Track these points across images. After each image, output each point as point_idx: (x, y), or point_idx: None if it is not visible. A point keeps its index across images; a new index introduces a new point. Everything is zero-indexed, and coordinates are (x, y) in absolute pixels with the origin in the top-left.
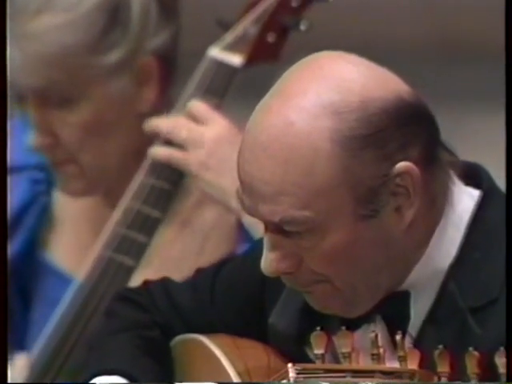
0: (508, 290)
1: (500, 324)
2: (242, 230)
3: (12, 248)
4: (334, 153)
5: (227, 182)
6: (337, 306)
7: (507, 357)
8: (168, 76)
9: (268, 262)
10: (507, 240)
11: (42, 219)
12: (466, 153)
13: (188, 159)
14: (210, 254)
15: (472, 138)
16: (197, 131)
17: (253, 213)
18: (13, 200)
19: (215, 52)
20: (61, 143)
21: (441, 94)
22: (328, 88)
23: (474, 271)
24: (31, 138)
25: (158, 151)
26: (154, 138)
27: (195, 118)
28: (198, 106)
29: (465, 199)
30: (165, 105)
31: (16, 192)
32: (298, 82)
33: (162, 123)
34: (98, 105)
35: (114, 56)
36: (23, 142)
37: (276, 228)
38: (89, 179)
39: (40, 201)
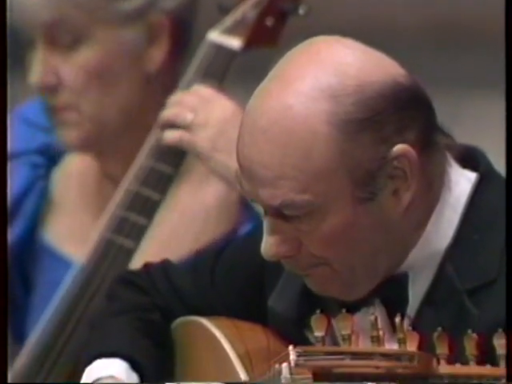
0: (508, 274)
1: (497, 305)
2: (245, 208)
3: (13, 232)
4: (331, 136)
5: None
6: (336, 289)
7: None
8: (180, 41)
9: (268, 246)
10: (507, 224)
11: (43, 203)
12: (466, 137)
13: (196, 141)
14: (213, 231)
15: (472, 122)
16: (202, 113)
17: (252, 197)
18: (13, 185)
19: (214, 35)
20: (64, 86)
21: (441, 78)
22: (325, 72)
23: (471, 253)
24: (35, 77)
25: (166, 135)
26: (163, 127)
27: (200, 100)
28: (202, 88)
29: (462, 182)
30: (172, 72)
31: (16, 177)
32: (296, 66)
33: (167, 111)
34: (106, 51)
35: (129, 5)
36: (23, 127)
37: (276, 212)
38: (87, 130)
39: (40, 185)
